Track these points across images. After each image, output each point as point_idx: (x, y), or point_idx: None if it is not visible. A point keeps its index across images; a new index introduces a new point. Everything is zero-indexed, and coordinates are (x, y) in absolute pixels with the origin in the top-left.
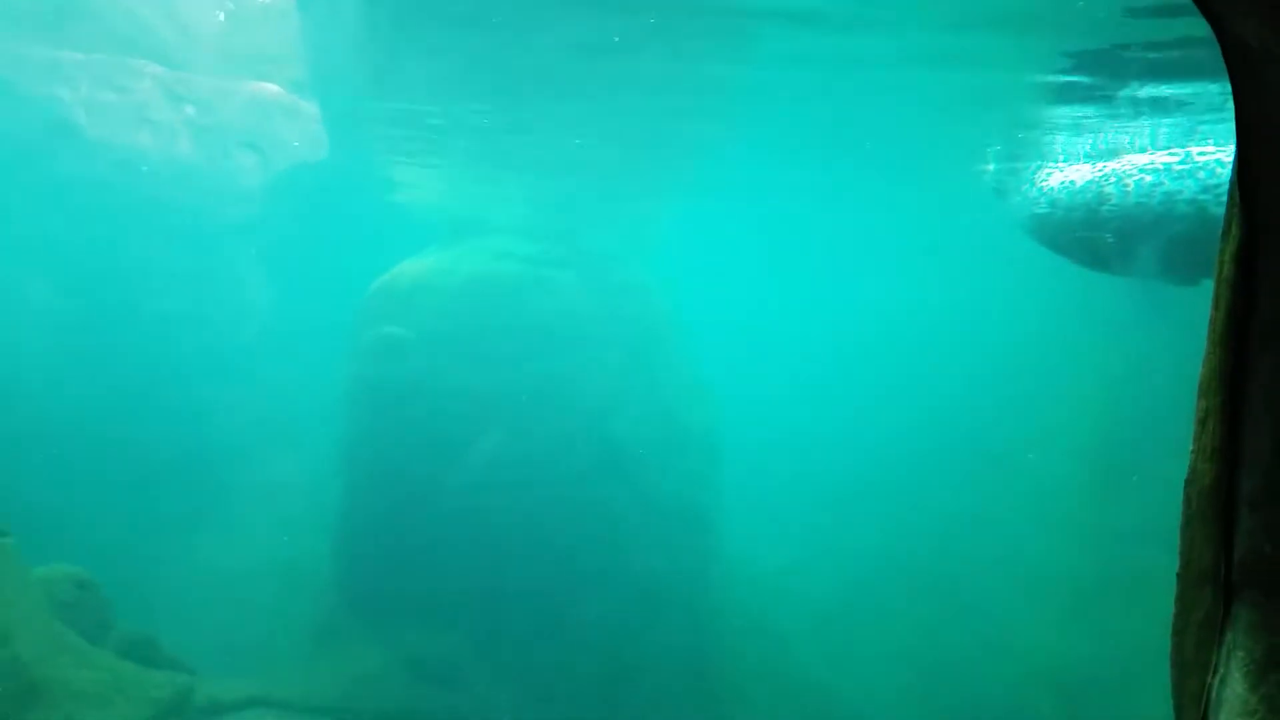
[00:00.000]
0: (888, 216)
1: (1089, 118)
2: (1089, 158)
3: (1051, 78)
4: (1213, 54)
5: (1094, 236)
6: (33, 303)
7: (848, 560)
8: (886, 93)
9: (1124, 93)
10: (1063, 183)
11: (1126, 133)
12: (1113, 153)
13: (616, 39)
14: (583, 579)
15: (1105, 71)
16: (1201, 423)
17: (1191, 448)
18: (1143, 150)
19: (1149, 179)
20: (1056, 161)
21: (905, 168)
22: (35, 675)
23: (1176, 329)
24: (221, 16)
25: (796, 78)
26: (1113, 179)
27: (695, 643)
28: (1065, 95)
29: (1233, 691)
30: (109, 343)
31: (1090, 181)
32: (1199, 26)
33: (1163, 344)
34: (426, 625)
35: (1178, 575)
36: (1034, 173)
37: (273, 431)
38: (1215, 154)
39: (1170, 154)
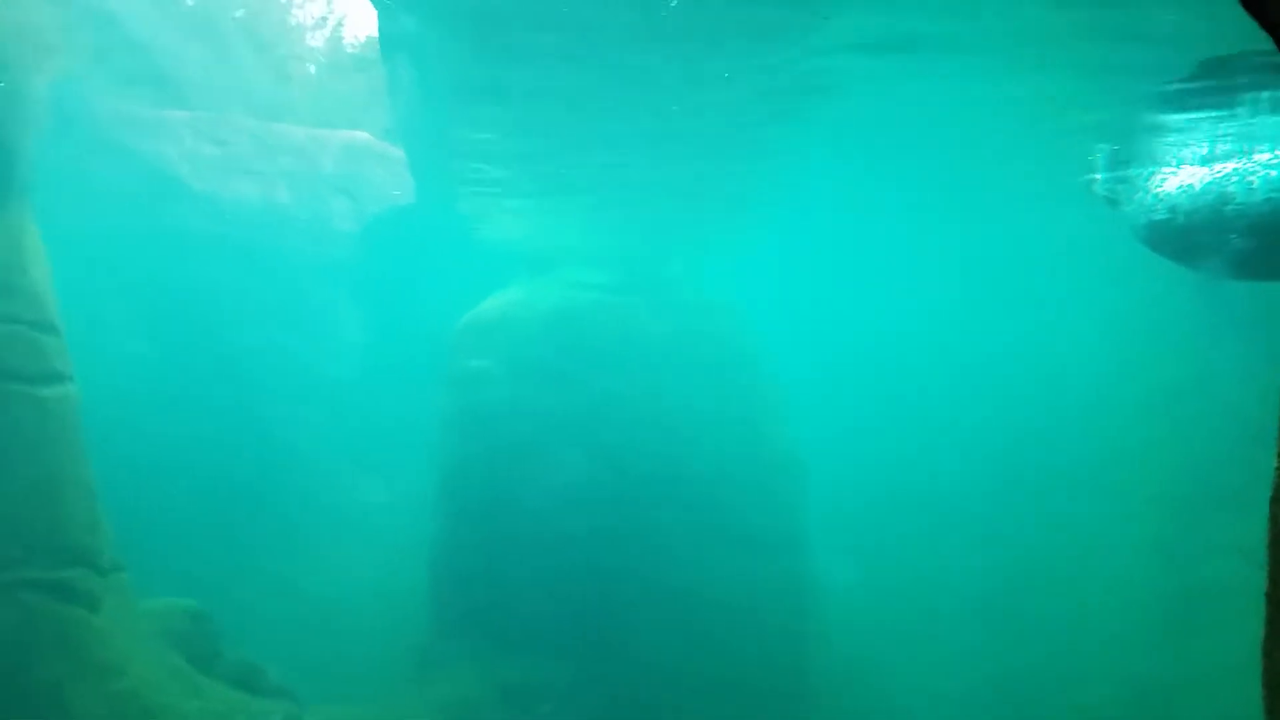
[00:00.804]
0: (978, 231)
1: (1205, 120)
2: (1204, 160)
3: (1173, 86)
4: None
5: (1219, 240)
6: (143, 347)
7: (929, 582)
8: (982, 103)
9: (1245, 94)
10: (1180, 186)
11: (1245, 133)
12: (1231, 154)
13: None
14: (669, 601)
15: (1227, 74)
16: None
17: (1276, 464)
18: (1265, 150)
19: (1275, 174)
20: (1171, 165)
21: (1000, 180)
22: (150, 704)
23: (1249, 341)
24: (312, 69)
25: (881, 86)
26: (1234, 178)
27: (783, 665)
28: (1182, 99)
29: None
30: (214, 383)
31: (1210, 183)
32: None
33: (1238, 356)
34: (519, 650)
35: (1267, 595)
36: (1147, 179)
37: (369, 463)
38: None
39: None
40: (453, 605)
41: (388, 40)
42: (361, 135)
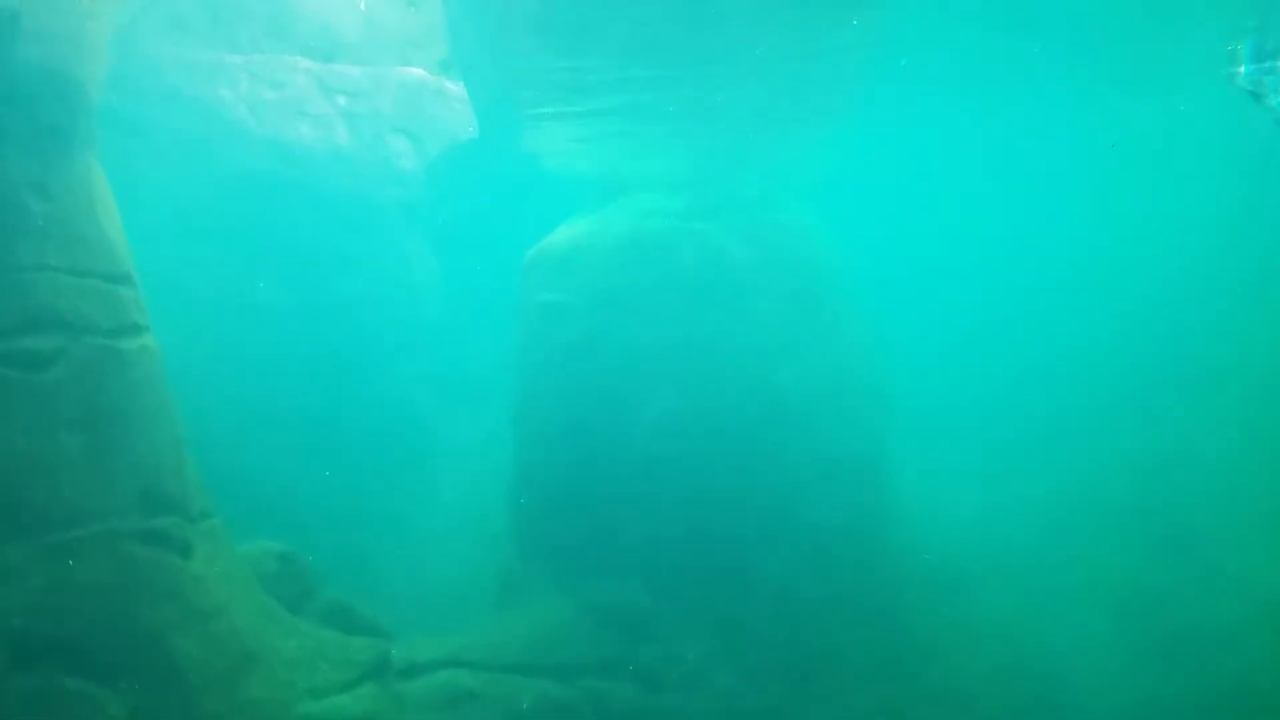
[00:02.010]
0: (1092, 136)
1: None
2: None
3: None
4: None
5: None
6: (217, 293)
7: (1037, 504)
8: None
9: None
10: None
11: None
12: None
13: None
14: (757, 528)
15: None
16: None
17: None
18: None
19: None
20: None
21: (1120, 77)
22: (250, 645)
23: None
24: (363, 5)
25: None
26: None
27: (876, 590)
28: None
29: None
30: (290, 325)
31: None
32: None
33: None
34: (607, 577)
35: None
36: None
37: (452, 397)
38: None
39: None
40: (539, 534)
41: None
42: (418, 72)
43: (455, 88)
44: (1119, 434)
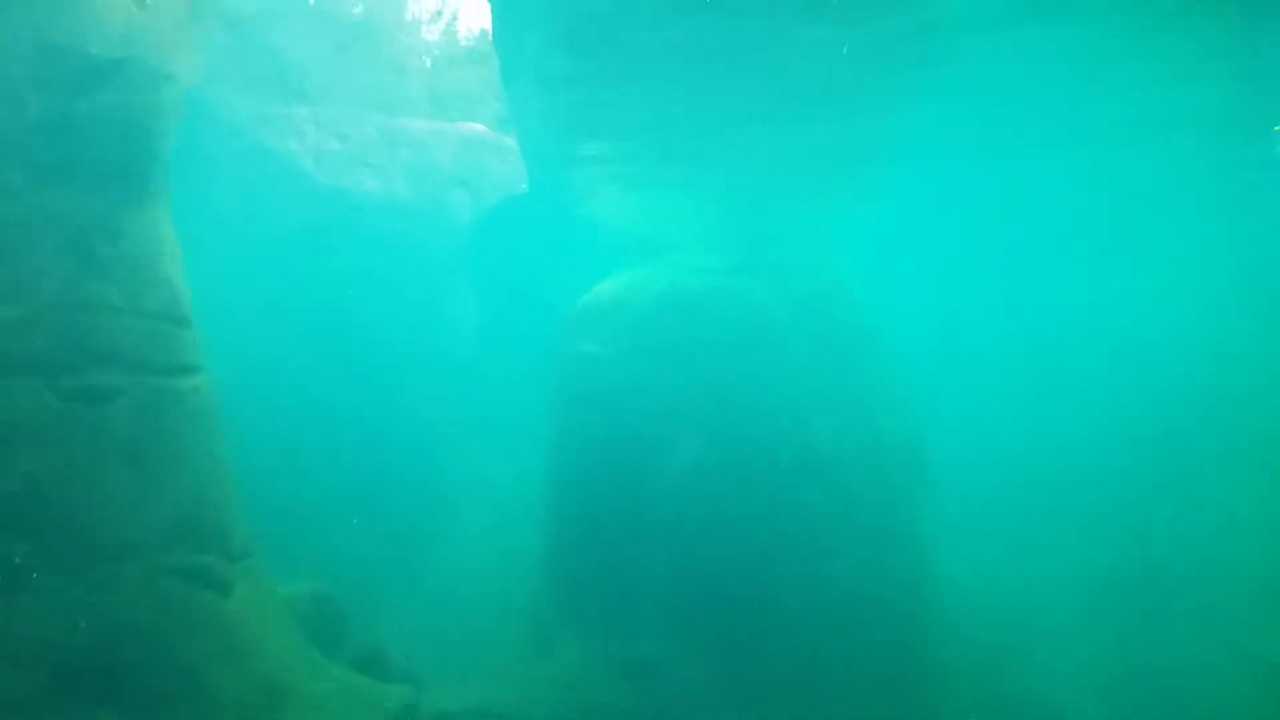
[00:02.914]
0: (1124, 199)
1: None
2: None
3: None
4: None
5: None
6: (274, 338)
7: (1063, 568)
8: (1134, 55)
9: None
10: None
11: None
12: None
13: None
14: (784, 583)
15: None
16: None
17: None
18: None
19: None
20: None
21: (1153, 138)
22: (281, 684)
23: None
24: (428, 62)
25: (1014, 35)
26: None
27: (900, 648)
28: None
29: None
30: (341, 372)
31: None
32: None
33: None
34: (635, 630)
35: None
36: None
37: (492, 447)
38: None
39: None
40: (570, 587)
41: (500, 31)
42: (477, 127)
43: (511, 142)
44: (1157, 503)
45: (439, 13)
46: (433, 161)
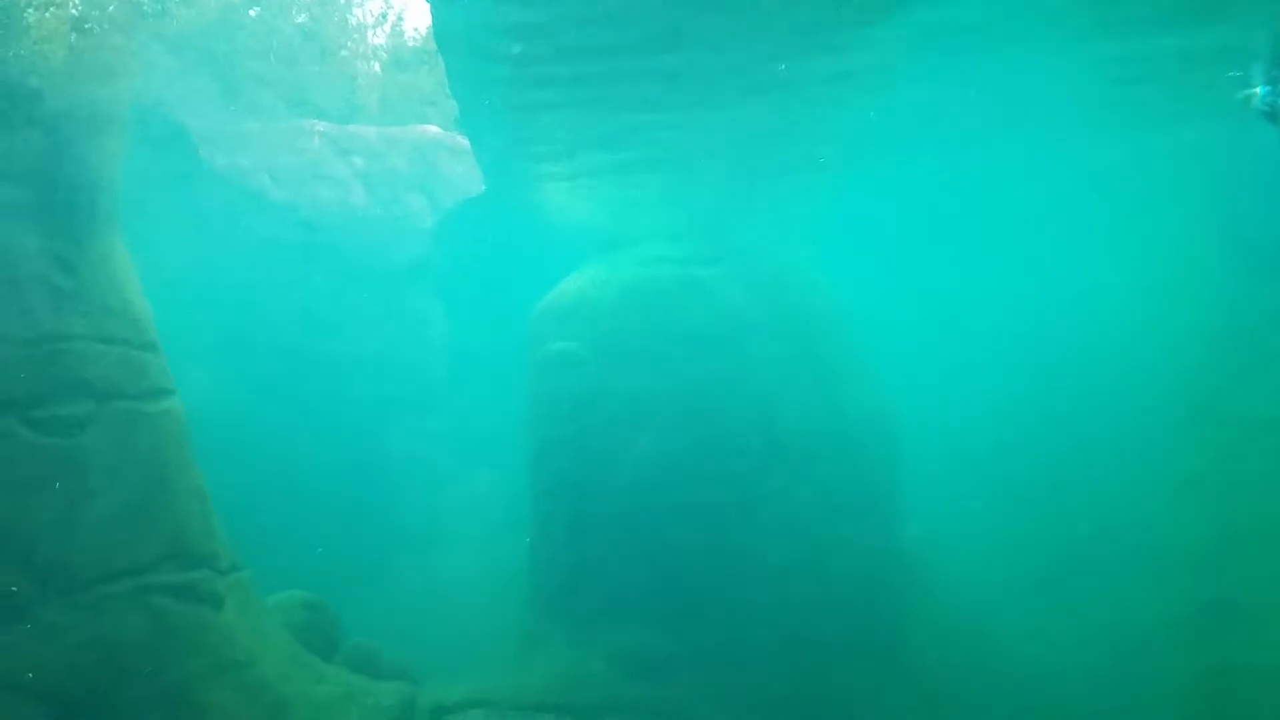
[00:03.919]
0: (1096, 173)
1: None
2: None
3: None
4: None
5: None
6: (240, 355)
7: (1046, 546)
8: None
9: None
10: None
11: None
12: None
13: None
14: (763, 571)
15: None
16: None
17: None
18: None
19: None
20: None
21: (1125, 111)
22: (281, 693)
23: None
24: (377, 67)
25: (974, 14)
26: None
27: (885, 632)
28: None
29: None
30: (311, 386)
31: None
32: None
33: None
34: (623, 622)
35: None
36: None
37: (468, 450)
38: None
39: None
40: (554, 583)
41: (442, 30)
42: (431, 129)
43: (466, 142)
44: (1128, 472)
45: (384, 15)
46: (388, 167)
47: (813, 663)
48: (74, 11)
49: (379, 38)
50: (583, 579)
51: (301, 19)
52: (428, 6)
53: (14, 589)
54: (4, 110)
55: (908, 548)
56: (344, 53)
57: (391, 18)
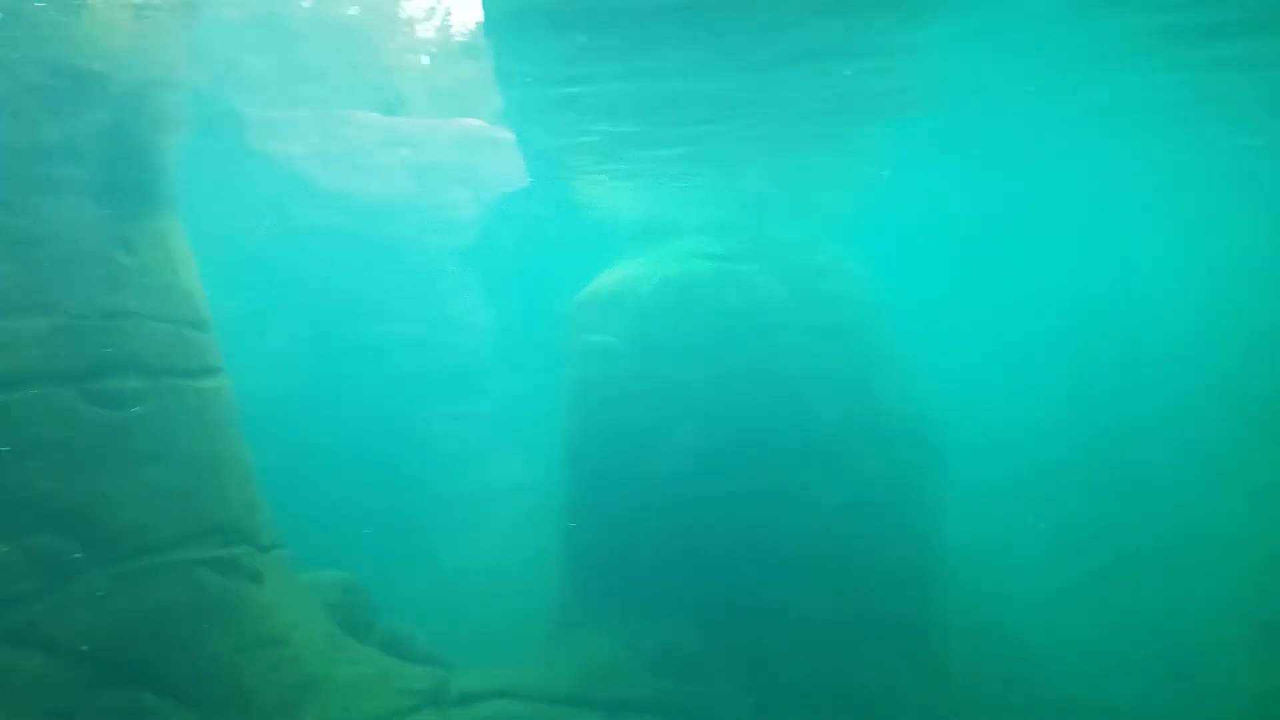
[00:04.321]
0: (1136, 180)
1: None
2: None
3: None
4: None
5: None
6: (287, 338)
7: (1084, 548)
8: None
9: None
10: None
11: None
12: None
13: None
14: (796, 568)
15: None
16: None
17: None
18: None
19: None
20: None
21: (1164, 119)
22: (312, 671)
23: None
24: (425, 60)
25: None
26: None
27: (915, 631)
28: None
29: None
30: (354, 369)
31: None
32: None
33: None
34: (652, 616)
35: None
36: None
37: (505, 439)
38: None
39: None
40: (586, 573)
41: (492, 25)
42: (476, 123)
43: (510, 136)
44: (1187, 480)
45: (433, 8)
46: (433, 159)
47: (844, 663)
48: None
49: (428, 31)
50: (614, 570)
51: (353, 11)
52: (479, 1)
53: (58, 555)
54: (70, 93)
55: (944, 548)
56: (393, 45)
57: (441, 11)
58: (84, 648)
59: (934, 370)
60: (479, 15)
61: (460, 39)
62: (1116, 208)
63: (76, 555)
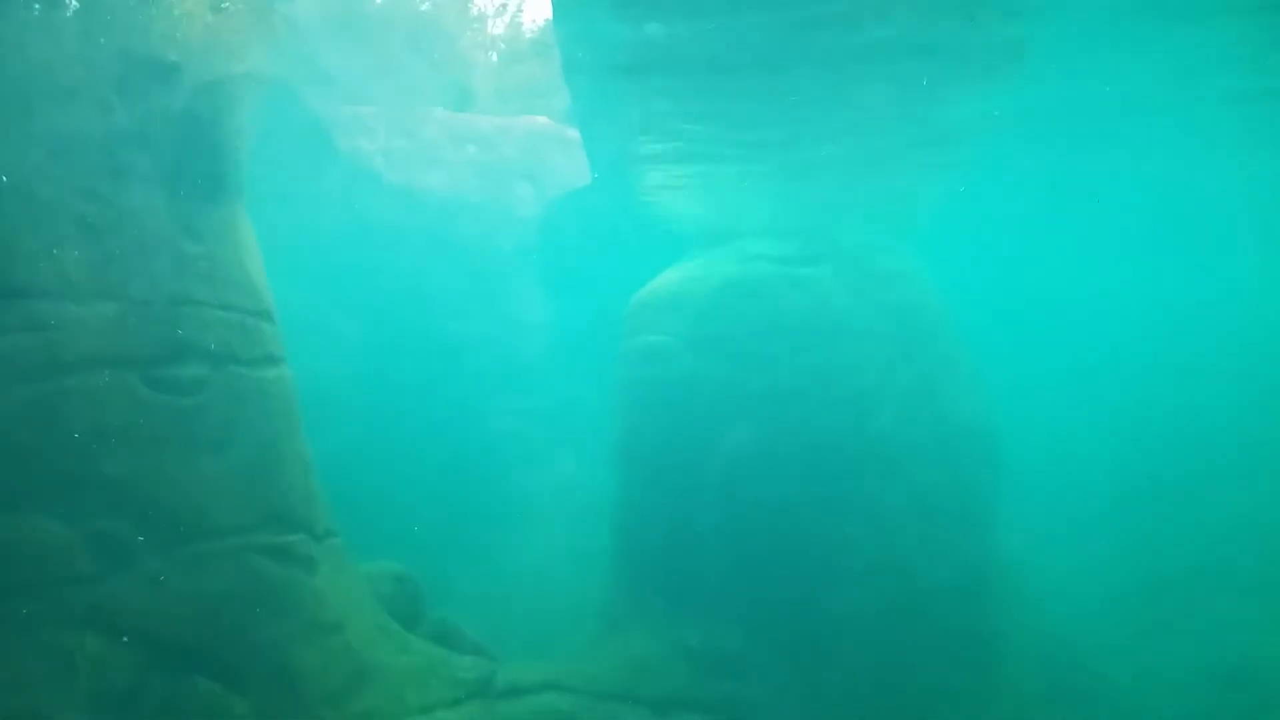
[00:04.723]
0: (1207, 187)
1: None
2: None
3: None
4: None
5: None
6: (349, 332)
7: (1140, 561)
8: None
9: None
10: None
11: None
12: None
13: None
14: (850, 573)
15: None
16: None
17: None
18: None
19: None
20: None
21: (1234, 125)
22: (364, 659)
23: None
24: (494, 57)
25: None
26: None
27: (968, 637)
28: None
29: None
30: (414, 365)
31: None
32: None
33: None
34: (702, 615)
35: None
36: None
37: (560, 436)
38: None
39: None
40: (636, 571)
41: (562, 23)
42: (542, 120)
43: (575, 135)
44: (1235, 494)
45: (504, 5)
46: (498, 156)
47: (894, 670)
48: None
49: (497, 28)
50: (665, 569)
51: (424, 7)
52: None
53: (119, 540)
54: (144, 81)
55: (1002, 558)
56: (463, 42)
57: (511, 8)
58: (139, 630)
59: (1000, 379)
60: (548, 11)
61: (530, 36)
62: (1185, 218)
63: (137, 539)
